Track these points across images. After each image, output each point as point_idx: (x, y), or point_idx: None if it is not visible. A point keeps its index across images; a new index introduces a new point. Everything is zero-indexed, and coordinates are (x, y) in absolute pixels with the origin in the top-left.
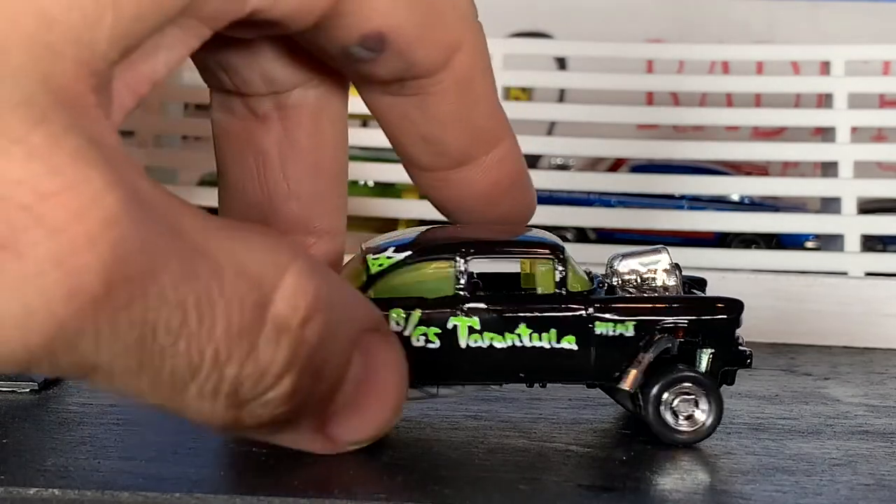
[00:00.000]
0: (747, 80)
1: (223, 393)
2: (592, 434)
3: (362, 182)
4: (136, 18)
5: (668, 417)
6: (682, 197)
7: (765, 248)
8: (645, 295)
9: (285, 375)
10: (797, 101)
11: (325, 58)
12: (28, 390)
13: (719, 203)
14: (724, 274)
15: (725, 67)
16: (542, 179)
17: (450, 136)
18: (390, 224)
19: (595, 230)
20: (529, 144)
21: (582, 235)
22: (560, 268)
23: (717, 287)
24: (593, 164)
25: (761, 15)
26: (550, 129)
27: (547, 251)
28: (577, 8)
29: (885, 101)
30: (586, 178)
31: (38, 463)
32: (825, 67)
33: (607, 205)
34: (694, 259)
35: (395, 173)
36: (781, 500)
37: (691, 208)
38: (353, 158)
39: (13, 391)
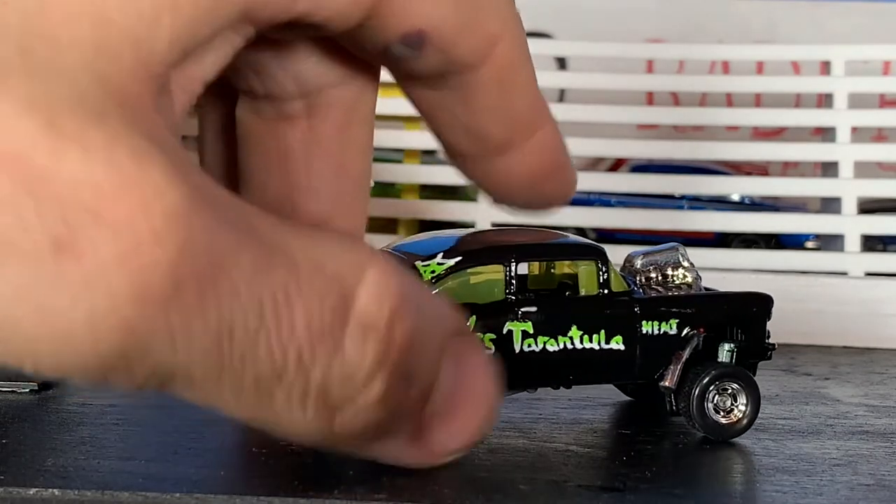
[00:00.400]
0: (747, 80)
1: (312, 397)
2: (592, 434)
3: None
4: (195, 21)
5: (711, 412)
6: (682, 197)
7: (765, 248)
8: (684, 293)
9: (376, 377)
10: (797, 101)
11: (365, 56)
12: (28, 390)
13: (719, 203)
14: (724, 274)
15: (725, 67)
16: None
17: (492, 126)
18: (390, 224)
19: (595, 230)
20: None
21: (582, 235)
22: (603, 269)
23: (717, 287)
24: (593, 164)
25: (761, 15)
26: None
27: (591, 253)
28: (577, 8)
29: (885, 101)
30: (586, 178)
31: (37, 463)
32: (825, 67)
33: (607, 205)
34: (694, 259)
35: (396, 173)
36: (781, 500)
37: (691, 208)
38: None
39: (13, 391)
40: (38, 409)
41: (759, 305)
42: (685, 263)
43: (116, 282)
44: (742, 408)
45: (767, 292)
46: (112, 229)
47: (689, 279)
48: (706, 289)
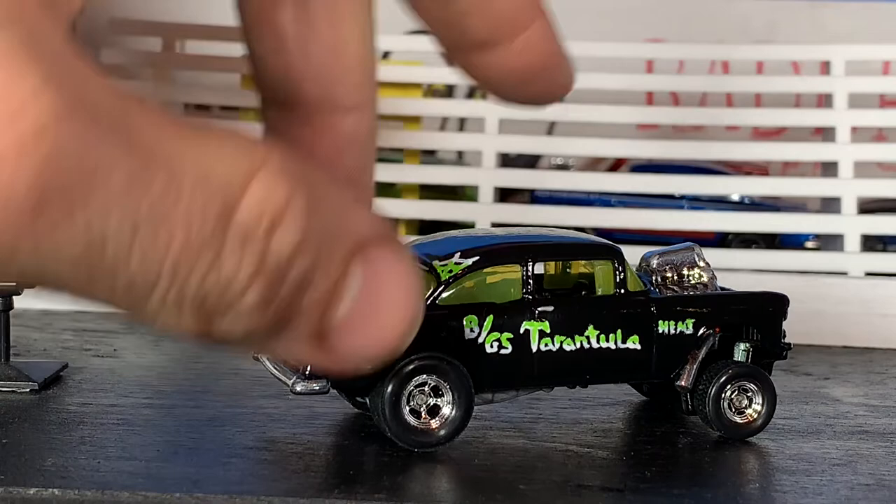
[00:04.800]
0: (747, 80)
1: (187, 305)
2: (592, 434)
3: None
4: None
5: (727, 411)
6: (682, 197)
7: (765, 248)
8: (700, 293)
9: (252, 286)
10: (797, 101)
11: None
12: (28, 390)
13: (719, 203)
14: (724, 274)
15: (725, 67)
16: (542, 179)
17: (472, 22)
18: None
19: (595, 230)
20: (529, 144)
21: None
22: (620, 269)
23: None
24: (593, 164)
25: (761, 15)
26: (550, 129)
27: (608, 253)
28: (577, 8)
29: (885, 101)
30: (586, 178)
31: (37, 463)
32: (825, 67)
33: (607, 205)
34: None
35: (396, 173)
36: (782, 499)
37: (691, 208)
38: None
39: (13, 391)
40: (38, 409)
41: (775, 305)
42: (701, 263)
43: None
44: (758, 407)
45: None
46: None
47: (705, 279)
48: (722, 288)
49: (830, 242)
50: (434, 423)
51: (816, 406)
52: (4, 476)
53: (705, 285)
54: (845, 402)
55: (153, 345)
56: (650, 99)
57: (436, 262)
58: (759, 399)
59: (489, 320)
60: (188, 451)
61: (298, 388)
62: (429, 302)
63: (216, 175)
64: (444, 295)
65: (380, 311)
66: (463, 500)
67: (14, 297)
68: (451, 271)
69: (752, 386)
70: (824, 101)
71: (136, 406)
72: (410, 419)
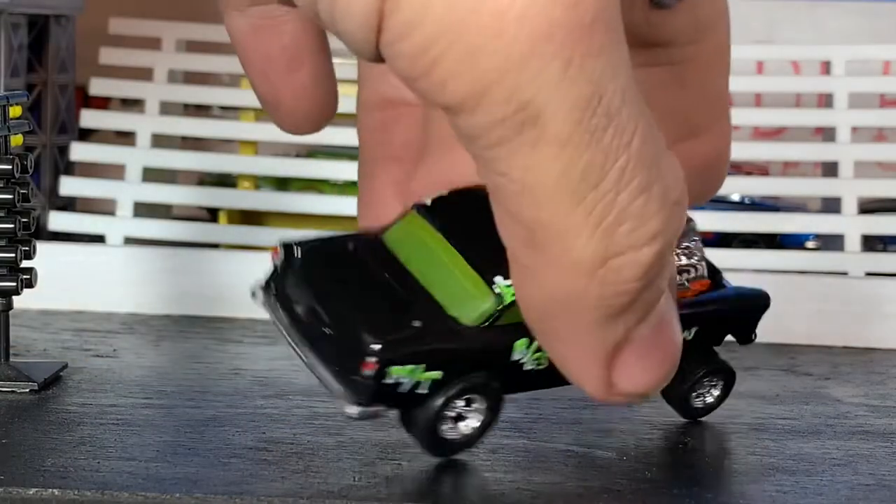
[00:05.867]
0: (747, 80)
1: (605, 226)
2: (592, 434)
3: None
4: None
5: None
6: None
7: (765, 248)
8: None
9: (655, 240)
10: (797, 101)
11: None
12: (28, 390)
13: (719, 203)
14: (724, 274)
15: None
16: None
17: (697, 106)
18: None
19: None
20: None
21: None
22: None
23: None
24: None
25: (761, 15)
26: None
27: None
28: None
29: (885, 101)
30: None
31: (37, 463)
32: (825, 67)
33: None
34: None
35: None
36: (782, 500)
37: (691, 208)
38: (352, 158)
39: (13, 391)
40: (38, 409)
41: (756, 305)
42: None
43: None
44: (716, 392)
45: (766, 291)
46: None
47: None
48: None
49: (831, 242)
50: (457, 432)
51: (817, 406)
52: (4, 476)
53: (695, 267)
54: (846, 403)
55: (153, 345)
56: None
57: (499, 280)
58: (717, 390)
59: (536, 344)
60: (188, 452)
61: (354, 413)
62: (488, 320)
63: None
64: (504, 316)
65: (662, 344)
66: (463, 500)
67: (14, 297)
68: (514, 294)
69: (716, 380)
70: (824, 100)
71: (135, 406)
72: (443, 429)
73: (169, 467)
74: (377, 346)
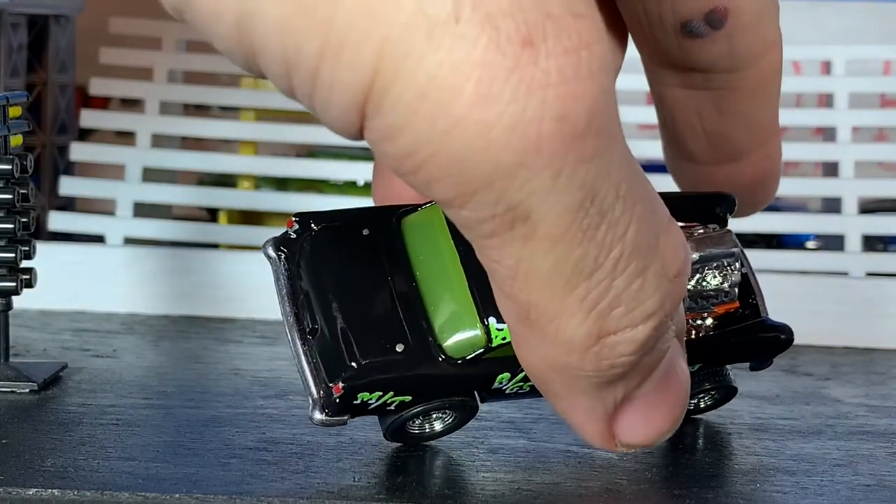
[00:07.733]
0: None
1: (599, 310)
2: None
3: (362, 182)
4: None
5: None
6: None
7: (765, 248)
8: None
9: (651, 318)
10: (798, 101)
11: (648, 30)
12: (28, 390)
13: None
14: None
15: None
16: None
17: (736, 133)
18: None
19: None
20: None
21: None
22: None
23: None
24: None
25: None
26: None
27: None
28: None
29: (886, 101)
30: None
31: (37, 463)
32: (826, 67)
33: None
34: None
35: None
36: (782, 500)
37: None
38: (352, 158)
39: (13, 391)
40: (38, 409)
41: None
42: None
43: (553, 95)
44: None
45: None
46: (565, 45)
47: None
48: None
49: (831, 242)
50: (422, 429)
51: (817, 406)
52: (3, 476)
53: (725, 292)
54: (846, 403)
55: (153, 345)
56: (650, 99)
57: (491, 321)
58: (711, 401)
59: (521, 375)
60: (188, 452)
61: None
62: (470, 357)
63: (654, 205)
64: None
65: (666, 400)
66: (463, 500)
67: (14, 297)
68: (504, 339)
69: (716, 394)
70: (825, 100)
71: (135, 406)
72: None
73: (169, 467)
74: (347, 374)
